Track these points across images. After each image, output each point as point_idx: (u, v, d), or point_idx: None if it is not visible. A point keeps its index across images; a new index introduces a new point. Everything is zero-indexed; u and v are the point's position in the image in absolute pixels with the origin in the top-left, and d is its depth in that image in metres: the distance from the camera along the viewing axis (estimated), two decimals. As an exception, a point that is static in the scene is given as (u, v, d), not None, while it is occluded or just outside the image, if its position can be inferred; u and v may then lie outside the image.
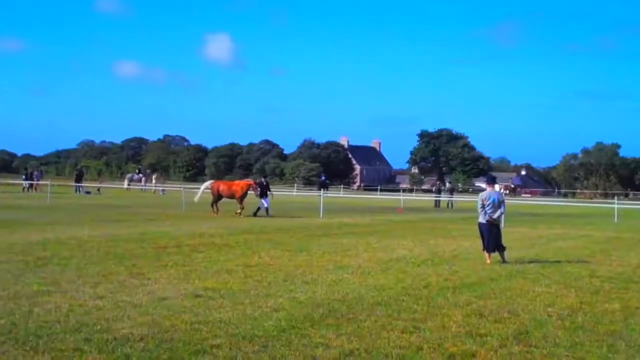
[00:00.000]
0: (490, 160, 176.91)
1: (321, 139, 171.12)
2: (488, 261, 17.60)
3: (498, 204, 18.04)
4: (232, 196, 37.43)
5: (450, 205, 57.13)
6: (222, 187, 37.97)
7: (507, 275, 15.51)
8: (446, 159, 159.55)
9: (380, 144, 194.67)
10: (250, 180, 41.77)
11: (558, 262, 18.45)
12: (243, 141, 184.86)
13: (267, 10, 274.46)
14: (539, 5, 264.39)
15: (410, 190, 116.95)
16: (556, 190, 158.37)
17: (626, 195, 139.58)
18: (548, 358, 8.49)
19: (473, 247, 20.64)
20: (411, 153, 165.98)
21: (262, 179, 40.19)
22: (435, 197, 60.14)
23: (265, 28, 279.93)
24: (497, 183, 20.84)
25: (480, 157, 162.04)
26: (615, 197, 58.20)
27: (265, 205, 37.00)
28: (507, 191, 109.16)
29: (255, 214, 35.67)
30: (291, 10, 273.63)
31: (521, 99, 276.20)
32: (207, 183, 41.11)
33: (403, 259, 18.10)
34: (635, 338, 9.61)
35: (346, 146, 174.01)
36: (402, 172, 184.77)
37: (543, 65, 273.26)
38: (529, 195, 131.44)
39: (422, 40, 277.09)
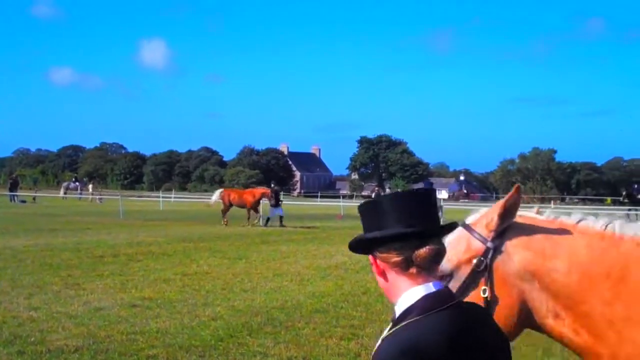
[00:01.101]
0: (430, 165, 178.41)
1: (261, 145, 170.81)
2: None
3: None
4: (243, 205, 36.68)
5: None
6: (233, 195, 37.27)
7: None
8: (386, 164, 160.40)
9: (320, 150, 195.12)
10: (265, 188, 39.86)
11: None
12: (182, 148, 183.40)
13: (202, 16, 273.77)
14: (475, 12, 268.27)
15: (351, 197, 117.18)
16: (494, 195, 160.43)
17: (562, 200, 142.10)
18: None
19: (412, 253, 20.74)
20: (351, 159, 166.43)
21: (274, 188, 38.98)
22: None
23: (201, 33, 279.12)
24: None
25: (420, 163, 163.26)
26: (552, 202, 59.25)
27: (280, 213, 36.50)
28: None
29: (265, 225, 35.03)
30: (227, 15, 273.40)
31: (460, 105, 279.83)
32: (219, 191, 39.81)
33: (342, 266, 18.14)
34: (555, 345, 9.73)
35: (286, 153, 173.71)
36: (342, 178, 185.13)
37: (480, 72, 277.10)
38: (468, 201, 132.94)
39: (361, 47, 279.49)
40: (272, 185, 39.75)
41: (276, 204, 36.39)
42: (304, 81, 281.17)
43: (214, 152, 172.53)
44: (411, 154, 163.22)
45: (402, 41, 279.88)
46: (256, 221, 36.05)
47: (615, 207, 49.69)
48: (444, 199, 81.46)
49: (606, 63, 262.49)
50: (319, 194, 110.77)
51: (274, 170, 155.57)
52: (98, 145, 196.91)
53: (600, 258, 3.10)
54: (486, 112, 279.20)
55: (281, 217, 36.13)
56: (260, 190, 38.61)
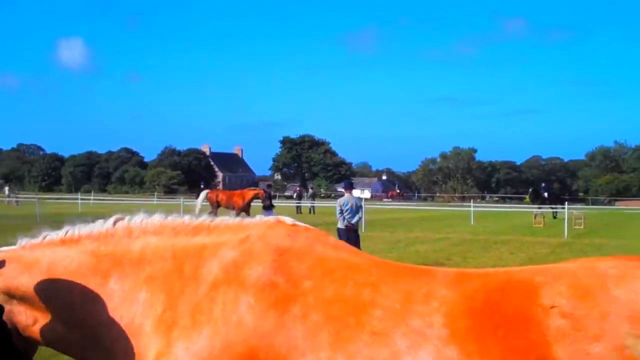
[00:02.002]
0: (352, 165, 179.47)
1: (182, 146, 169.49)
2: (347, 266, 17.81)
3: (356, 209, 18.34)
4: (231, 207, 35.27)
5: (312, 211, 57.61)
6: (222, 196, 36.02)
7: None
8: (309, 165, 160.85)
9: (242, 150, 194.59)
10: (257, 189, 38.15)
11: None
12: (101, 149, 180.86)
13: (121, 15, 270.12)
14: (398, 12, 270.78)
15: (273, 197, 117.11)
16: (416, 194, 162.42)
17: (482, 198, 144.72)
18: None
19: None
20: (273, 159, 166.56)
21: (266, 188, 37.79)
22: (297, 203, 60.57)
23: (120, 33, 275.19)
24: (354, 188, 21.16)
25: (343, 163, 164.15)
26: (472, 200, 60.24)
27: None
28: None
29: None
30: (146, 14, 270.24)
31: (382, 104, 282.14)
32: (204, 193, 37.73)
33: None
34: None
35: (208, 153, 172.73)
36: (265, 178, 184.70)
37: (403, 71, 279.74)
38: (390, 200, 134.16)
39: (284, 45, 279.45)
40: (266, 188, 38.64)
41: (269, 206, 34.36)
42: (226, 80, 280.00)
43: (134, 153, 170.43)
44: (334, 154, 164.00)
45: (325, 40, 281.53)
46: None
47: (535, 206, 50.78)
48: (365, 199, 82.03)
49: (526, 63, 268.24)
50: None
51: (195, 171, 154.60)
52: (15, 146, 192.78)
53: (59, 261, 3.86)
54: (408, 111, 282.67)
55: None
56: (251, 191, 36.90)
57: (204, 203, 35.97)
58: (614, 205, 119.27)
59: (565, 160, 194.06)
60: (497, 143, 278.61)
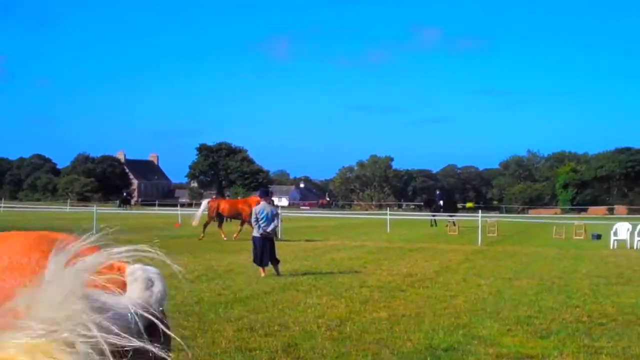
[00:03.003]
0: (270, 173, 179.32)
1: (96, 152, 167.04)
2: (262, 274, 17.67)
3: (272, 217, 18.19)
4: (236, 216, 33.37)
5: (229, 218, 57.15)
6: (224, 205, 33.74)
7: (280, 288, 15.62)
8: (226, 172, 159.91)
9: (158, 157, 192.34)
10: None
11: (331, 273, 18.82)
12: (12, 155, 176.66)
13: (31, 18, 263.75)
14: (313, 19, 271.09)
15: (190, 205, 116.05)
16: (333, 202, 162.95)
17: (399, 206, 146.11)
18: (315, 369, 8.58)
19: (248, 261, 20.53)
20: (190, 167, 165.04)
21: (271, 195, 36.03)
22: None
23: (30, 36, 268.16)
24: (271, 196, 20.97)
25: (260, 171, 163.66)
26: (388, 208, 60.64)
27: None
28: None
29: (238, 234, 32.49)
30: (57, 18, 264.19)
31: (299, 112, 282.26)
32: (205, 202, 35.53)
33: (176, 276, 17.68)
34: (399, 345, 9.89)
35: (123, 160, 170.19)
36: (181, 186, 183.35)
37: (319, 79, 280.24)
38: (308, 208, 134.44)
39: (199, 51, 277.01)
40: (269, 190, 37.16)
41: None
42: (142, 87, 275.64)
43: (47, 160, 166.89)
44: (251, 161, 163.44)
45: (241, 46, 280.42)
46: (236, 235, 32.34)
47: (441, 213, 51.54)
48: (283, 206, 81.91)
49: (441, 72, 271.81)
50: (157, 203, 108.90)
51: (110, 179, 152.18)
52: None
53: None
54: (325, 119, 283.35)
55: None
56: (257, 198, 34.91)
57: (204, 213, 34.24)
58: (527, 213, 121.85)
59: (480, 168, 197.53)
60: (414, 151, 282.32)
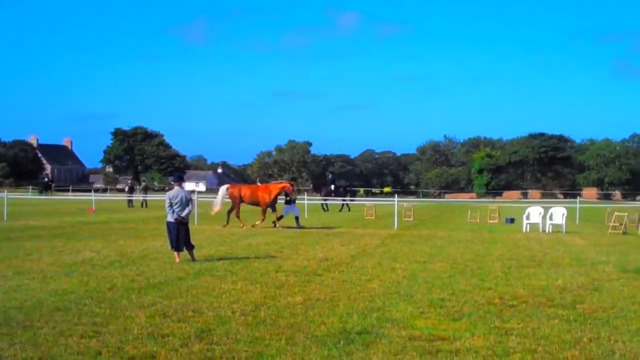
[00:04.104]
0: (187, 158, 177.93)
1: (7, 137, 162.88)
2: (177, 260, 17.48)
3: (186, 202, 17.98)
4: (256, 203, 32.17)
5: (144, 204, 56.54)
6: (245, 191, 32.35)
7: (195, 273, 15.47)
8: (141, 157, 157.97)
9: (72, 142, 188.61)
10: (283, 182, 34.52)
11: (247, 258, 18.72)
12: None
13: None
14: (230, 2, 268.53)
15: (105, 190, 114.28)
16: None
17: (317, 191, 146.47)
18: (228, 354, 8.51)
19: (163, 247, 20.35)
20: (105, 152, 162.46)
21: (292, 182, 34.93)
22: (128, 196, 59.11)
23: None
24: (184, 181, 20.78)
25: (177, 156, 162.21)
26: (305, 193, 60.72)
27: (297, 213, 32.63)
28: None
29: (278, 221, 31.77)
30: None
31: (218, 97, 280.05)
32: (224, 188, 33.81)
33: (89, 261, 17.47)
34: (313, 329, 9.88)
35: (35, 145, 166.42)
36: (96, 171, 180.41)
37: (237, 64, 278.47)
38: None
39: (114, 34, 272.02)
40: (292, 178, 35.95)
41: (291, 201, 32.59)
42: (55, 69, 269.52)
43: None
44: (168, 146, 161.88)
45: (157, 30, 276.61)
46: (258, 222, 31.60)
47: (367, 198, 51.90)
48: (199, 192, 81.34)
49: (360, 57, 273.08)
50: (71, 188, 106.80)
51: (22, 164, 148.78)
52: None
53: None
54: (243, 104, 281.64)
55: (297, 218, 32.32)
56: (277, 185, 33.53)
57: (225, 199, 33.04)
58: (443, 198, 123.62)
59: (398, 154, 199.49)
60: (332, 137, 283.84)
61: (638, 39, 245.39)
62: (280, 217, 31.98)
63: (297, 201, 33.93)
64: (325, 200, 52.47)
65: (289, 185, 32.85)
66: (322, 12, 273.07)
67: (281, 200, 33.34)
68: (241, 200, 31.85)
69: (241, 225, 30.77)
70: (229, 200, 32.54)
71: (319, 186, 58.99)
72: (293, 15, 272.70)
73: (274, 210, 32.01)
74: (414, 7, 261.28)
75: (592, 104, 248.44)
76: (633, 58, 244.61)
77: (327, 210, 50.83)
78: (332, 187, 54.58)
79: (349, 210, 50.24)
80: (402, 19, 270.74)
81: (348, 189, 61.18)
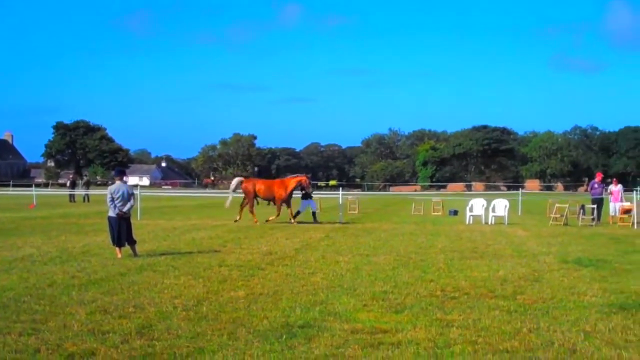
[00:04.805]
0: (130, 152, 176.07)
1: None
2: (119, 256, 17.29)
3: (128, 197, 17.79)
4: (272, 198, 31.75)
5: (86, 199, 55.87)
6: (260, 186, 31.63)
7: (137, 269, 15.30)
8: (84, 151, 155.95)
9: (12, 136, 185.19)
10: (299, 176, 33.29)
11: (190, 253, 18.59)
12: None
13: None
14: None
15: (46, 185, 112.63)
16: (196, 181, 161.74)
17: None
18: (168, 350, 8.42)
19: (105, 242, 20.09)
20: (46, 146, 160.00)
21: (308, 176, 34.07)
22: (70, 191, 58.36)
23: None
24: (126, 175, 20.55)
25: (119, 149, 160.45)
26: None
27: (314, 208, 32.00)
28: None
29: (294, 218, 31.14)
30: None
31: (161, 90, 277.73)
32: (237, 181, 33.29)
33: (29, 258, 17.19)
34: (255, 324, 9.83)
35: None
36: (37, 165, 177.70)
37: (181, 57, 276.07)
38: (170, 187, 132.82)
39: (57, 27, 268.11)
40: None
41: (307, 196, 31.93)
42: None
43: None
44: (110, 140, 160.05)
45: (99, 22, 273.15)
46: (272, 217, 31.43)
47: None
48: (141, 186, 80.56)
49: (304, 50, 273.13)
50: (12, 183, 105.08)
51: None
52: None
53: None
54: (188, 97, 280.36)
55: (314, 213, 31.85)
56: (294, 179, 32.60)
57: (238, 193, 32.63)
58: (388, 191, 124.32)
59: (343, 147, 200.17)
60: (277, 130, 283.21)
61: (579, 32, 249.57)
62: (297, 213, 31.55)
63: (238, 195, 33.66)
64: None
65: (305, 178, 32.19)
66: (265, 5, 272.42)
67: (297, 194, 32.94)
68: (255, 195, 31.46)
69: (255, 220, 30.37)
70: (241, 192, 32.21)
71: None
72: (236, 8, 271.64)
73: (289, 205, 31.50)
74: (357, 1, 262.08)
75: (535, 97, 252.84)
76: (574, 51, 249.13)
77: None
78: None
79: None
80: (345, 12, 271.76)
81: None
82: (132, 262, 16.52)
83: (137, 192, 28.23)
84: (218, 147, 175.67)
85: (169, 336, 9.08)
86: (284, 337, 9.09)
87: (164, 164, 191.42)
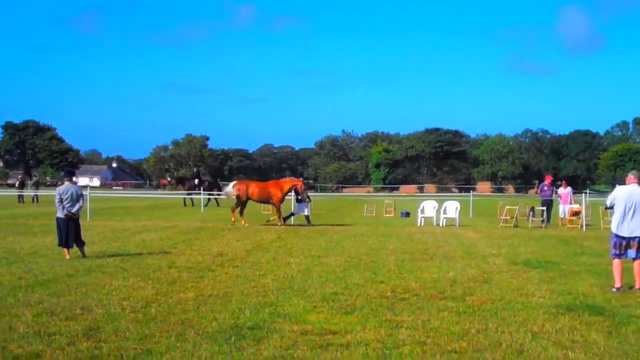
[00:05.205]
0: (81, 152, 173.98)
1: None
2: (67, 257, 17.08)
3: (77, 197, 17.58)
4: (267, 200, 31.43)
5: (35, 199, 55.11)
6: (254, 188, 30.88)
7: (86, 270, 15.13)
8: (33, 151, 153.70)
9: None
10: (293, 180, 33.02)
11: (140, 254, 18.43)
12: None
13: None
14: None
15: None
16: (147, 182, 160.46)
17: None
18: (116, 352, 8.34)
19: (53, 243, 19.78)
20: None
21: (302, 179, 33.60)
22: (19, 192, 57.50)
23: None
24: (75, 176, 20.31)
25: (70, 150, 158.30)
26: (202, 188, 59.99)
27: (306, 212, 31.20)
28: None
29: (285, 220, 30.84)
30: None
31: (112, 89, 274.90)
32: (233, 184, 32.66)
33: (-26, 260, 16.89)
34: (204, 325, 9.78)
35: None
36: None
37: (132, 56, 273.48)
38: (121, 188, 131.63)
39: (3, 25, 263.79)
40: (303, 177, 34.30)
41: (303, 199, 31.31)
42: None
43: None
44: (60, 140, 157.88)
45: (48, 21, 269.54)
46: (272, 218, 31.35)
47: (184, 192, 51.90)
48: (91, 187, 79.70)
49: (258, 51, 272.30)
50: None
51: None
52: None
53: None
54: (140, 97, 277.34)
55: (307, 217, 31.21)
56: (289, 181, 32.52)
57: (232, 196, 32.07)
58: (341, 192, 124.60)
59: (297, 148, 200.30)
60: (230, 131, 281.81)
61: (531, 35, 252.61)
62: (291, 215, 31.39)
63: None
64: (189, 194, 50.92)
65: (300, 183, 31.62)
66: (218, 5, 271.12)
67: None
68: (248, 198, 31.01)
69: (243, 222, 30.13)
70: (235, 196, 31.67)
71: (182, 180, 57.27)
72: (189, 8, 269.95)
73: (279, 207, 31.20)
74: (310, 1, 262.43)
75: (486, 100, 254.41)
76: (526, 54, 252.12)
77: (193, 205, 49.59)
78: (196, 181, 52.83)
79: (218, 205, 49.51)
80: (299, 13, 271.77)
81: (215, 183, 60.24)
82: (81, 263, 16.33)
83: (86, 192, 27.93)
84: (170, 147, 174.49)
85: (116, 338, 9.00)
86: (233, 338, 9.05)
87: (114, 165, 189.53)
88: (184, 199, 50.99)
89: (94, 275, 14.38)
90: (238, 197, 31.12)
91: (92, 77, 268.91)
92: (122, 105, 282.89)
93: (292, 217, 31.56)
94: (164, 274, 14.80)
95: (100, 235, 23.79)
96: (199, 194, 48.60)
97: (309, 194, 32.83)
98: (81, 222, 18.41)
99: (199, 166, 71.13)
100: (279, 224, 30.27)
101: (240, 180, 35.18)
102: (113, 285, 13.05)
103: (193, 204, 49.73)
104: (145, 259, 17.46)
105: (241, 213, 30.85)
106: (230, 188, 32.30)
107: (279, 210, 30.95)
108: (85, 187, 41.52)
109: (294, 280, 14.12)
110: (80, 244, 17.67)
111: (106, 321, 9.97)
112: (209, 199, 49.99)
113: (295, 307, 11.21)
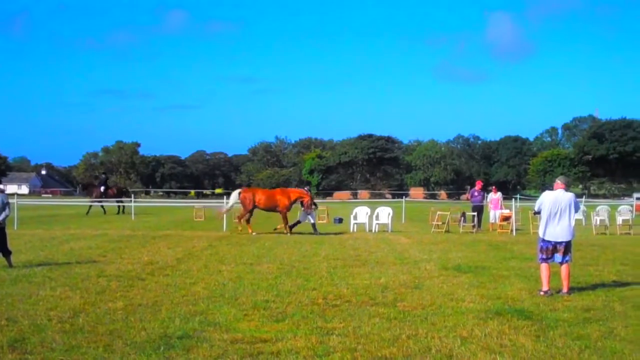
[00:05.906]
0: (9, 159, 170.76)
1: None
2: (-7, 266, 16.69)
3: (3, 206, 17.20)
4: (273, 208, 30.63)
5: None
6: (260, 196, 30.35)
7: (12, 280, 14.79)
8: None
9: None
10: (305, 193, 31.52)
11: (68, 263, 18.09)
12: None
13: None
14: None
15: None
16: (77, 190, 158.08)
17: (147, 193, 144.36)
18: (41, 365, 8.17)
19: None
20: None
21: (306, 189, 33.10)
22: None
23: None
24: (2, 183, 19.85)
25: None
26: (133, 195, 59.41)
27: (312, 220, 30.51)
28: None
29: (291, 228, 30.31)
30: None
31: (41, 96, 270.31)
32: (236, 193, 31.64)
33: None
34: (133, 335, 9.64)
35: None
36: None
37: (62, 61, 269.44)
38: (50, 196, 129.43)
39: None
40: (306, 188, 33.32)
41: (308, 212, 30.62)
42: None
43: None
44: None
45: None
46: (279, 226, 30.90)
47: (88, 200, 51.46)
48: (20, 195, 78.20)
49: (189, 57, 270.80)
50: None
51: None
52: None
53: None
54: (70, 103, 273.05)
55: (314, 225, 30.68)
56: (297, 192, 31.63)
57: (236, 204, 31.50)
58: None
59: (230, 155, 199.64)
60: (162, 137, 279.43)
61: (461, 42, 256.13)
62: (297, 223, 30.88)
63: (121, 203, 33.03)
64: (94, 201, 49.95)
65: (308, 199, 30.73)
66: (149, 10, 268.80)
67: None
68: (254, 206, 30.59)
69: (250, 231, 29.81)
70: (240, 204, 31.28)
71: (88, 187, 56.33)
72: (119, 13, 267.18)
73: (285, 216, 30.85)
74: (243, 6, 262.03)
75: (419, 106, 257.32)
76: (457, 61, 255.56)
77: (104, 213, 48.91)
78: (102, 188, 52.00)
79: (123, 212, 48.99)
80: (231, 18, 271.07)
81: (124, 190, 59.62)
82: (7, 273, 15.96)
83: (13, 200, 27.35)
84: (100, 154, 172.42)
85: (42, 349, 8.82)
86: (162, 348, 8.95)
87: (44, 172, 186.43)
88: (89, 207, 49.67)
89: (21, 285, 14.07)
90: (244, 205, 30.76)
91: (20, 83, 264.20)
92: (52, 112, 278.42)
93: (297, 224, 30.97)
94: (93, 283, 14.56)
95: (28, 244, 23.29)
96: (108, 201, 48.08)
97: (315, 201, 32.75)
98: (7, 230, 18.00)
99: (105, 173, 69.92)
100: (285, 232, 29.96)
101: (246, 188, 34.46)
102: (40, 295, 12.79)
103: (104, 212, 48.96)
104: (73, 268, 17.14)
105: (248, 221, 30.54)
106: (233, 199, 31.84)
107: (285, 219, 30.60)
108: (12, 195, 40.68)
109: (225, 288, 14.02)
110: (7, 253, 17.26)
111: (32, 332, 9.77)
112: (118, 207, 49.50)
113: (226, 315, 11.13)
